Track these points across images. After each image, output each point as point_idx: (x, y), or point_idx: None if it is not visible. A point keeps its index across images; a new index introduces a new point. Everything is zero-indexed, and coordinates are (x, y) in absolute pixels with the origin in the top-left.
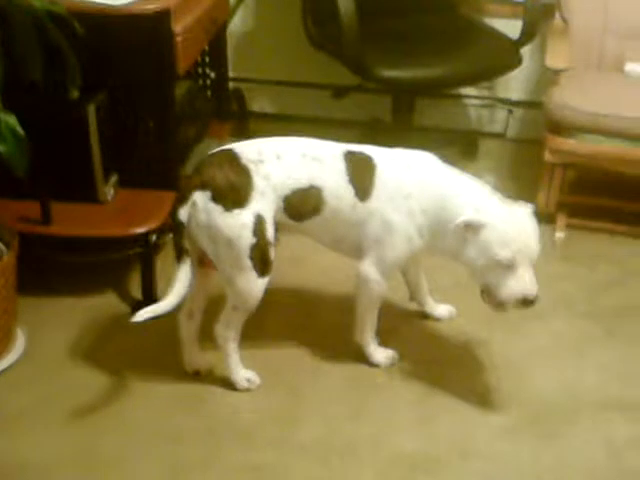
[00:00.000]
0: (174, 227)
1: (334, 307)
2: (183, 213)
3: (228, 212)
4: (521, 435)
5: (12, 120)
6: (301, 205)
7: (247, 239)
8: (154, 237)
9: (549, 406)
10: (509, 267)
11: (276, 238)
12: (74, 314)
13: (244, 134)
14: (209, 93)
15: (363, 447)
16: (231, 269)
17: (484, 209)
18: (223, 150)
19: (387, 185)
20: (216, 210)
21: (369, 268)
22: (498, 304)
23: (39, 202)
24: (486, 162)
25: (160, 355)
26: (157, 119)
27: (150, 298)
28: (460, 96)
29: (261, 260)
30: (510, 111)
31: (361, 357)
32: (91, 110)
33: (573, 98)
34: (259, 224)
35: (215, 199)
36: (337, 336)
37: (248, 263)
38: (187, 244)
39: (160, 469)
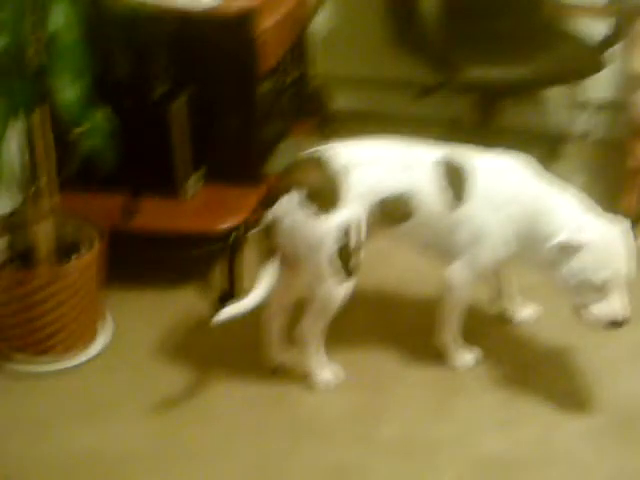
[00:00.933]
0: (262, 227)
1: (418, 306)
2: (271, 214)
3: (315, 217)
4: (606, 441)
5: (102, 115)
6: (391, 212)
7: (332, 245)
8: (237, 233)
9: (635, 412)
10: (602, 289)
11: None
12: (159, 307)
13: (327, 132)
14: (292, 91)
15: (445, 447)
16: (314, 273)
17: (581, 228)
18: (315, 152)
19: (481, 192)
20: (303, 214)
21: (458, 272)
22: (587, 323)
23: (124, 197)
24: (569, 164)
25: (242, 351)
26: (241, 117)
27: (233, 294)
28: (542, 97)
29: (346, 266)
30: (594, 112)
31: (443, 358)
32: (174, 109)
33: None
34: (346, 230)
35: (303, 203)
36: (420, 336)
37: (331, 269)
38: (274, 244)
39: (240, 464)
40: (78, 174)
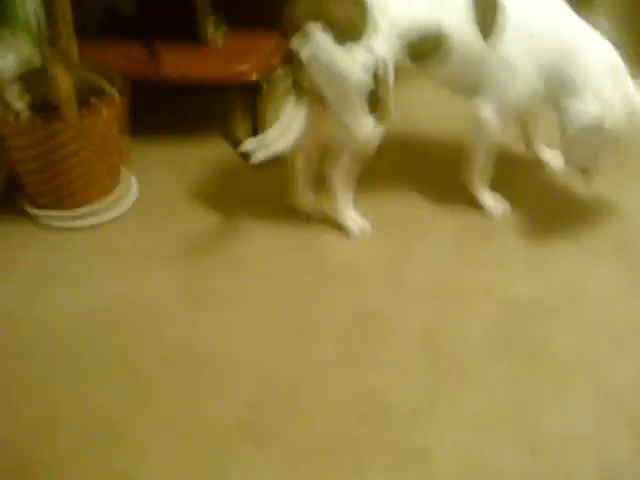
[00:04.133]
0: (287, 57)
1: (448, 154)
2: (297, 42)
3: (342, 45)
4: (636, 284)
5: None
6: (423, 46)
7: (362, 77)
8: (262, 79)
9: None
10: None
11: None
12: (183, 159)
13: None
14: None
15: (475, 292)
16: (345, 109)
17: (602, 97)
18: None
19: (513, 25)
20: (332, 45)
21: (485, 106)
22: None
23: (146, 42)
24: (601, 8)
25: (271, 200)
26: None
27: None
28: None
29: (375, 104)
30: None
31: (472, 205)
32: None
33: None
34: (376, 63)
35: (330, 31)
36: (449, 184)
37: (363, 104)
38: (303, 78)
39: (272, 309)
40: (101, 23)
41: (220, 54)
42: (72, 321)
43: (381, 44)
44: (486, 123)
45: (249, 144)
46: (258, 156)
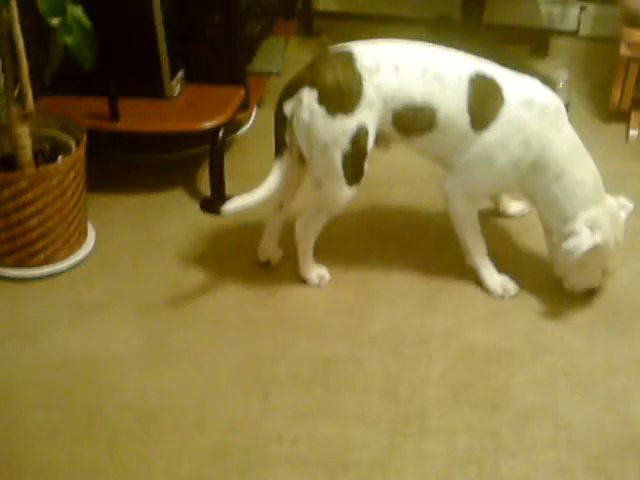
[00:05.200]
0: (277, 120)
1: (406, 213)
2: (288, 107)
3: (331, 116)
4: (594, 331)
5: (78, 11)
6: (411, 122)
7: (343, 147)
8: (222, 133)
9: (624, 304)
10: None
11: (383, 146)
12: (143, 211)
13: (309, 32)
14: None
15: (435, 340)
16: (322, 173)
17: (595, 224)
18: (341, 50)
19: (505, 124)
20: (320, 112)
21: (451, 187)
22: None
23: (107, 98)
24: (557, 60)
25: (229, 251)
26: (223, 14)
27: (219, 195)
28: None
29: (353, 169)
30: (582, 8)
31: (432, 254)
32: (157, 4)
33: None
34: (359, 134)
35: (321, 100)
36: (409, 236)
37: (340, 171)
38: (288, 138)
39: (232, 361)
40: (60, 77)
41: (182, 108)
42: (29, 374)
43: (368, 114)
44: (453, 203)
45: (233, 205)
46: (229, 208)
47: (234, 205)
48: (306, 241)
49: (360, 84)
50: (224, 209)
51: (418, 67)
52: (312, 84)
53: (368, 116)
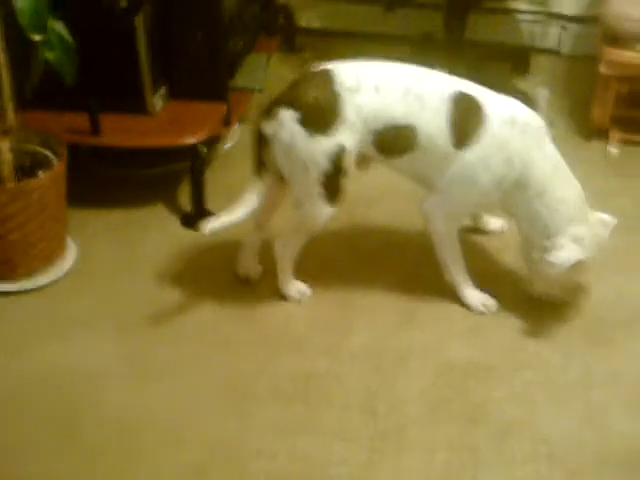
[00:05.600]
0: (256, 139)
1: (386, 230)
2: (268, 126)
3: (310, 137)
4: (573, 346)
5: (60, 27)
6: (392, 142)
7: (324, 167)
8: (204, 149)
9: (603, 318)
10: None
11: (363, 166)
12: (124, 226)
13: (292, 49)
14: (258, 6)
15: (414, 355)
16: (302, 192)
17: (579, 238)
18: (322, 70)
19: (487, 144)
20: (299, 132)
21: (431, 206)
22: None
23: (88, 113)
24: (538, 78)
25: (209, 266)
26: (205, 30)
27: (200, 211)
28: (512, 11)
29: (332, 190)
30: (563, 27)
31: (413, 270)
32: (139, 20)
33: (633, 7)
34: (339, 154)
35: (301, 121)
36: (388, 254)
37: (319, 191)
38: (267, 157)
39: (212, 378)
40: (41, 92)
41: (163, 124)
42: (9, 389)
43: (348, 134)
44: (434, 222)
45: (212, 225)
46: (208, 228)
47: (212, 225)
48: (286, 260)
49: (340, 104)
50: (203, 229)
51: (399, 87)
52: (292, 105)
53: (348, 136)
